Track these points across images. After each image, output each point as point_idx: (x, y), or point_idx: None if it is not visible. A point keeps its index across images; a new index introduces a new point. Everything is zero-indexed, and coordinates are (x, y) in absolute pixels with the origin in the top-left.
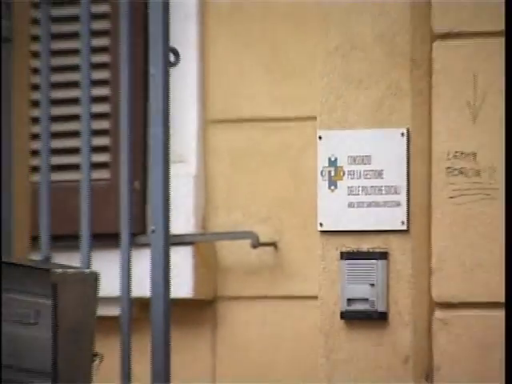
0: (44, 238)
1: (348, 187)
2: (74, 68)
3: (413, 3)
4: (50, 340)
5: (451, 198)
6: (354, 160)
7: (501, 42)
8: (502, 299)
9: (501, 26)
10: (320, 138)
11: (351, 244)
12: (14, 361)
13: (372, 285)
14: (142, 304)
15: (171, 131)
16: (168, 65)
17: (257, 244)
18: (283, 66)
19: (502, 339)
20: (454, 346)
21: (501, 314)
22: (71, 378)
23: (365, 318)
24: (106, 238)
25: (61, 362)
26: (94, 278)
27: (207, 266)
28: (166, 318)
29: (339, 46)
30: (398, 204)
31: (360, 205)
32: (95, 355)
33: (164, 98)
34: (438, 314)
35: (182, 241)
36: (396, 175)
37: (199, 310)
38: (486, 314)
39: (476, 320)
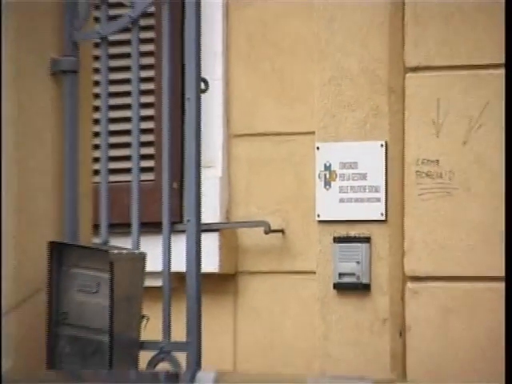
0: (103, 226)
1: (339, 187)
2: (126, 94)
3: (390, 44)
4: (107, 305)
5: (420, 195)
6: (344, 165)
7: (458, 74)
8: (461, 273)
9: (459, 61)
10: (318, 148)
11: (342, 231)
12: (80, 321)
13: (358, 262)
14: (180, 277)
15: (202, 143)
16: (200, 91)
17: (268, 231)
18: (289, 93)
19: (460, 305)
20: (421, 310)
21: (460, 285)
22: (124, 335)
23: (352, 288)
24: (151, 226)
25: (116, 322)
26: (142, 257)
27: (230, 248)
28: (197, 288)
29: (332, 78)
30: (379, 200)
31: (349, 200)
32: (143, 317)
33: (196, 117)
34: (410, 285)
35: (210, 228)
36: (377, 177)
37: (223, 282)
38: (447, 285)
39: (439, 290)
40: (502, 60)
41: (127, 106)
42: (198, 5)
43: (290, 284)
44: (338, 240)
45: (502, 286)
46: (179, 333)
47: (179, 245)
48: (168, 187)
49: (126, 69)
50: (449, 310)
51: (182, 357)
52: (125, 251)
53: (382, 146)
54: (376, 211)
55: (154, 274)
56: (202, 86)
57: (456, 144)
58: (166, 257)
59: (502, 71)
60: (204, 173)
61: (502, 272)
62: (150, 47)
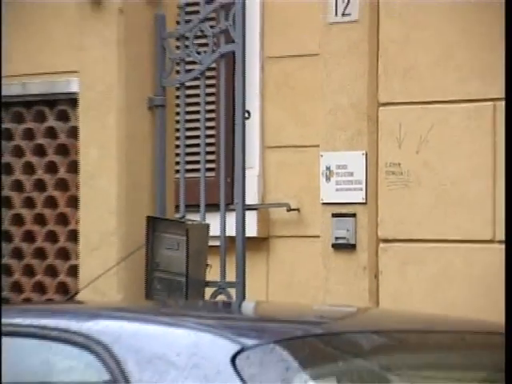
0: (181, 206)
1: (335, 180)
2: (197, 120)
3: (368, 87)
4: (184, 257)
5: (387, 186)
6: (338, 167)
7: (412, 107)
8: (414, 237)
9: (413, 99)
10: (321, 155)
11: (337, 209)
12: (166, 268)
13: (347, 230)
14: (231, 239)
15: (246, 152)
16: (244, 118)
17: (289, 209)
18: (303, 119)
19: (414, 258)
20: (389, 261)
21: (414, 245)
22: (195, 276)
23: (344, 247)
24: (213, 206)
25: (189, 269)
26: (207, 226)
27: (263, 220)
28: (243, 246)
29: (331, 110)
30: (361, 189)
31: (341, 189)
32: (207, 265)
33: (242, 135)
34: (381, 245)
35: (251, 207)
36: (360, 175)
37: (260, 242)
38: (405, 245)
39: (400, 248)
40: (441, 97)
41: (197, 129)
42: (243, 61)
43: (303, 244)
44: (334, 215)
45: (444, 244)
46: (231, 276)
47: (231, 218)
48: (224, 181)
49: (197, 104)
50: (406, 262)
51: (232, 291)
52: (195, 222)
53: (363, 154)
54: (359, 197)
55: (214, 238)
56: (246, 114)
57: (411, 153)
58: (223, 226)
59: (442, 105)
60: (247, 172)
61: (443, 235)
62: (212, 89)
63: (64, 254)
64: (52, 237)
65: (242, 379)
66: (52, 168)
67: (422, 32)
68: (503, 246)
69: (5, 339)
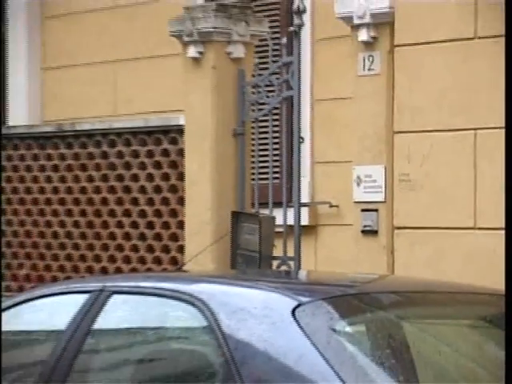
0: (256, 203)
1: (363, 186)
2: (266, 144)
3: (386, 121)
4: (258, 240)
5: (400, 190)
6: (365, 176)
7: (420, 135)
8: (419, 225)
9: (421, 128)
10: (353, 168)
11: (364, 206)
12: (246, 247)
13: (372, 220)
14: (290, 227)
15: (301, 166)
16: (299, 143)
17: (331, 205)
18: (340, 143)
19: (421, 241)
20: (401, 243)
21: (419, 231)
22: (265, 253)
23: (369, 232)
24: (277, 204)
25: (262, 247)
26: (273, 218)
27: (313, 214)
28: (298, 232)
29: (360, 138)
30: (381, 192)
31: (367, 192)
32: (273, 245)
33: (298, 155)
34: (396, 231)
35: (304, 205)
36: (380, 181)
37: (311, 229)
38: (413, 231)
39: (409, 234)
40: (437, 127)
41: (267, 149)
42: (299, 103)
43: (340, 230)
44: (363, 210)
45: (439, 231)
46: (290, 252)
47: (290, 212)
48: (285, 186)
49: (266, 132)
50: (413, 243)
51: (291, 264)
52: (265, 215)
53: (383, 167)
54: (380, 197)
55: (279, 226)
56: (301, 140)
57: (416, 166)
58: (284, 217)
59: (437, 133)
60: (302, 179)
61: (439, 224)
62: (277, 122)
63: (174, 237)
64: (166, 225)
65: (299, 325)
66: (166, 177)
67: (424, 80)
68: (482, 232)
69: (134, 297)
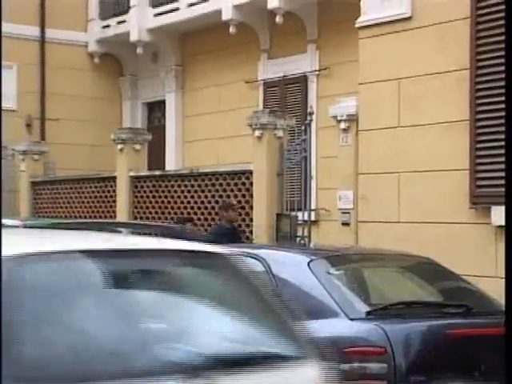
0: (288, 209)
1: (343, 200)
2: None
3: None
4: (289, 227)
5: (360, 202)
6: (343, 195)
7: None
8: (371, 220)
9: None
10: (338, 192)
11: (343, 211)
12: (283, 231)
13: (347, 218)
14: (305, 221)
15: (311, 191)
16: (311, 179)
17: (326, 210)
18: (331, 180)
19: (369, 228)
20: (362, 230)
21: (371, 224)
22: (293, 234)
23: (346, 224)
24: (299, 210)
25: (291, 231)
26: (297, 216)
27: (317, 215)
28: (309, 224)
29: (342, 176)
30: (351, 203)
31: (345, 203)
32: (296, 230)
33: (310, 186)
34: (359, 224)
35: (312, 210)
36: (351, 198)
37: (315, 223)
38: (367, 224)
39: (366, 225)
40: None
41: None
42: (310, 160)
43: (330, 223)
44: (342, 213)
45: (381, 223)
46: (306, 233)
47: (306, 213)
48: (303, 200)
49: (294, 174)
50: (368, 229)
51: (306, 240)
52: (292, 215)
53: (352, 191)
54: (351, 206)
55: (300, 221)
56: (312, 177)
57: (369, 191)
58: (303, 216)
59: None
60: (312, 197)
61: (381, 218)
62: (300, 168)
63: (249, 227)
64: (244, 221)
65: (311, 270)
66: (244, 195)
67: (373, 149)
68: (403, 224)
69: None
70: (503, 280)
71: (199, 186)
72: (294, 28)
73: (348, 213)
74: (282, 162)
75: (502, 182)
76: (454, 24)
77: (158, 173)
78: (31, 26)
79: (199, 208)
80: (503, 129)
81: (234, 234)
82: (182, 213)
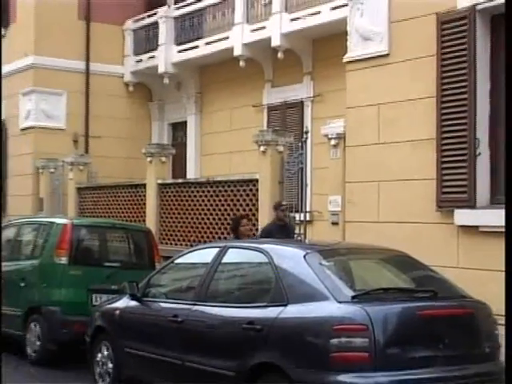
0: (288, 211)
1: (332, 204)
2: None
3: None
4: (292, 226)
5: (347, 205)
6: (333, 200)
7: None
8: (356, 220)
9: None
10: (329, 197)
11: (332, 212)
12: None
13: (336, 218)
14: (302, 221)
15: (306, 196)
16: (306, 186)
17: (319, 212)
18: (323, 187)
19: (355, 227)
20: (348, 228)
21: (356, 223)
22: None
23: (335, 224)
24: (297, 211)
25: (292, 228)
26: (294, 217)
27: (311, 216)
28: (305, 223)
29: (332, 183)
30: (339, 206)
31: (335, 206)
32: (295, 228)
33: (306, 192)
34: (346, 224)
35: (308, 211)
36: (339, 202)
37: (310, 222)
38: (353, 223)
39: (352, 224)
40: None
41: None
42: (305, 171)
43: (322, 223)
44: (332, 214)
45: (363, 223)
46: (302, 231)
47: (302, 214)
48: (300, 204)
49: (292, 182)
50: (354, 228)
51: (302, 237)
52: (290, 215)
53: (340, 196)
54: (339, 208)
55: (298, 220)
56: (307, 184)
57: (355, 196)
58: (300, 217)
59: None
60: (307, 201)
61: (363, 218)
62: (297, 178)
63: (253, 225)
64: (251, 220)
65: (306, 262)
66: (251, 199)
67: (359, 162)
68: (382, 224)
69: (237, 249)
70: (463, 270)
71: (214, 191)
72: (292, 62)
73: (337, 214)
74: (282, 172)
75: (464, 189)
76: (424, 60)
77: (180, 181)
78: (79, 60)
79: (214, 210)
80: (464, 145)
81: (283, 230)
82: (201, 214)
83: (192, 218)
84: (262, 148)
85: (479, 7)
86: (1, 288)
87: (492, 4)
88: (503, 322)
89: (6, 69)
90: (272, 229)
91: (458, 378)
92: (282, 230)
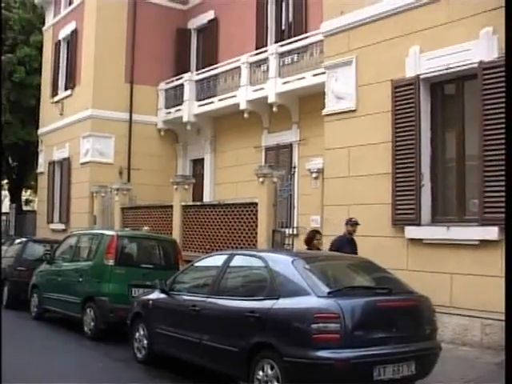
0: (278, 227)
1: (314, 222)
2: None
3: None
4: (279, 239)
5: (325, 222)
6: (313, 219)
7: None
8: (330, 233)
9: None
10: (311, 216)
11: (314, 229)
12: (277, 241)
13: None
14: (290, 235)
15: (293, 215)
16: (293, 208)
17: (304, 228)
18: (308, 209)
19: (331, 238)
20: (326, 240)
21: (331, 236)
22: (282, 243)
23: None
24: (287, 227)
25: (281, 242)
26: (284, 232)
27: (297, 231)
28: (292, 237)
29: (313, 207)
30: (319, 224)
31: (315, 224)
32: (284, 240)
33: (292, 211)
34: (324, 236)
35: (295, 227)
36: (319, 221)
37: (296, 236)
38: (329, 236)
39: (331, 238)
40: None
41: None
42: (292, 196)
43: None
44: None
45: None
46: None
47: (290, 229)
48: (288, 221)
49: (283, 204)
50: (330, 239)
51: (289, 247)
52: (282, 230)
53: (320, 216)
54: (319, 225)
55: (287, 235)
56: (294, 207)
57: (332, 215)
58: (288, 232)
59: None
60: (294, 219)
61: (335, 232)
62: (287, 201)
63: (255, 239)
64: (253, 235)
65: (294, 266)
66: (252, 219)
67: (334, 191)
68: (375, 237)
69: (241, 256)
70: (411, 271)
71: (224, 211)
72: (284, 114)
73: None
74: (276, 197)
75: (412, 211)
76: (382, 114)
77: (198, 203)
78: (124, 112)
79: (224, 225)
80: (412, 178)
81: (350, 243)
82: (214, 229)
83: (207, 232)
84: (260, 179)
85: (422, 76)
86: (1, 282)
87: (431, 75)
88: (440, 310)
89: (72, 118)
90: (343, 241)
91: (406, 353)
92: (350, 243)
